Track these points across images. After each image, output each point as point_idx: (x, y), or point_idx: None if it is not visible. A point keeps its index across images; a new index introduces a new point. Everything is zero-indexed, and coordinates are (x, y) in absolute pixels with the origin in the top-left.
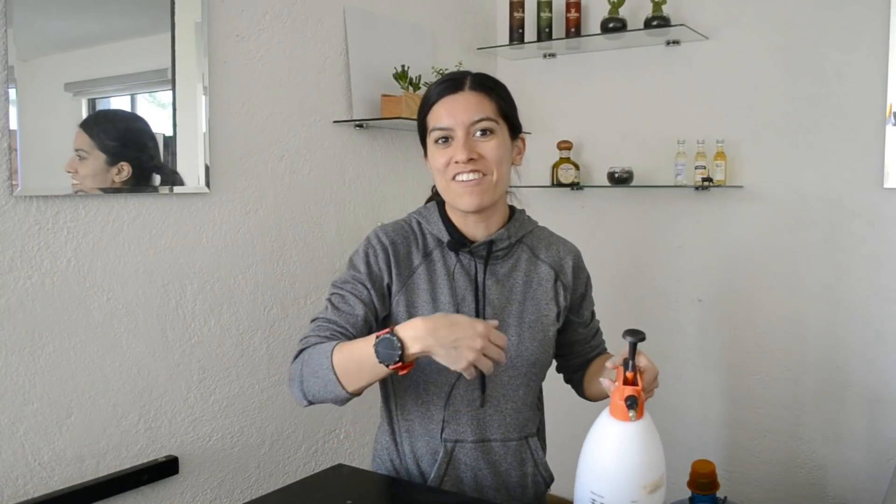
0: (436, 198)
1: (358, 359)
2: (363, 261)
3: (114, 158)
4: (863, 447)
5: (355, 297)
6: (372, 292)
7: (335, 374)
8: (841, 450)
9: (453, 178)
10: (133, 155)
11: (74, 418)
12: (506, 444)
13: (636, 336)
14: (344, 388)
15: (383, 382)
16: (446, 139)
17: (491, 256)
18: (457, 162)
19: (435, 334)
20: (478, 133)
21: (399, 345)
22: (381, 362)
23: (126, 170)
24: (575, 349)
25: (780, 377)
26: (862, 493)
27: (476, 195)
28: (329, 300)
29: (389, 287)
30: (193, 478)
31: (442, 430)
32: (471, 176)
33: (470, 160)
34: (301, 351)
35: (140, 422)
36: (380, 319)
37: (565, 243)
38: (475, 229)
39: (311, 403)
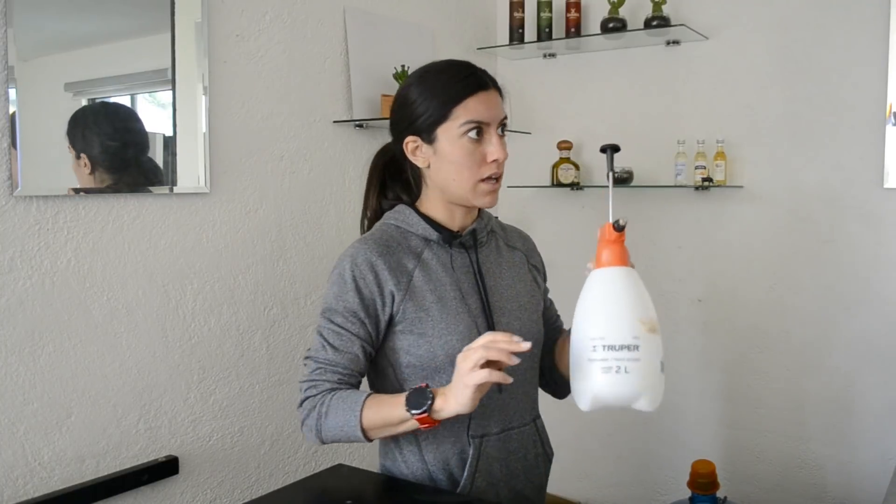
0: (381, 209)
1: (386, 416)
2: (352, 287)
3: (77, 154)
4: (863, 447)
5: (350, 333)
6: (366, 321)
7: (363, 430)
8: (841, 450)
9: (485, 177)
10: (93, 144)
11: (74, 418)
12: (522, 430)
13: (613, 147)
14: (367, 438)
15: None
16: (479, 132)
17: (477, 244)
18: (495, 160)
19: (450, 389)
20: (499, 131)
21: (431, 395)
22: (408, 409)
23: (85, 160)
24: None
25: (781, 377)
26: (862, 493)
27: (496, 196)
28: (323, 337)
29: (392, 299)
30: (193, 478)
31: (468, 427)
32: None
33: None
34: (307, 398)
35: (140, 422)
36: (377, 344)
37: (517, 229)
38: (464, 220)
39: (324, 443)
